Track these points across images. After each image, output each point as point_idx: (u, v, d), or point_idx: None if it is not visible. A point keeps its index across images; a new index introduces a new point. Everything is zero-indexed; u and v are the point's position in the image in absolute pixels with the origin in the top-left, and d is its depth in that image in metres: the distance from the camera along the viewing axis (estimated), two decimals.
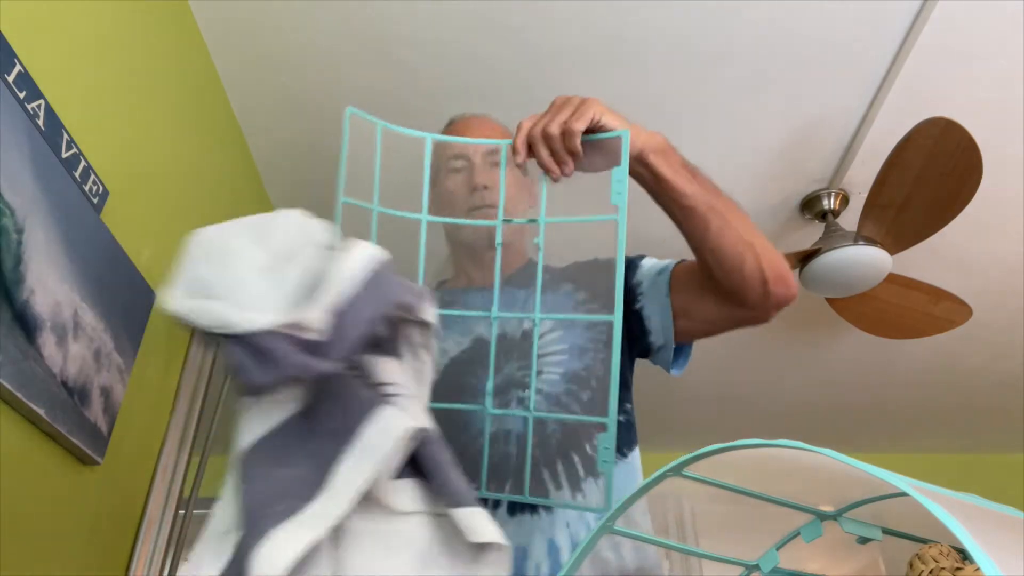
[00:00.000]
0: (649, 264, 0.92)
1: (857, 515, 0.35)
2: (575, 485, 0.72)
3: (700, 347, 0.94)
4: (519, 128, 0.71)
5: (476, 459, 0.65)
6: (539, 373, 0.69)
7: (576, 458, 0.73)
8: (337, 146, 1.87)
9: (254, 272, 0.46)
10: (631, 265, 0.93)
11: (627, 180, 0.64)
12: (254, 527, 0.35)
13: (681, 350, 0.88)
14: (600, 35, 1.55)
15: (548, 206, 0.72)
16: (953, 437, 3.33)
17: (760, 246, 0.76)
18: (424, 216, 0.63)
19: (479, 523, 0.39)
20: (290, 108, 1.72)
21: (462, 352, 0.82)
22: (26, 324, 0.87)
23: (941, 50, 1.55)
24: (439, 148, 1.00)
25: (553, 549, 0.69)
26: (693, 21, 1.51)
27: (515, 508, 0.68)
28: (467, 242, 0.96)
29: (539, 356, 0.69)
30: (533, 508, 0.70)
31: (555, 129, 0.67)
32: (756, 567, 0.40)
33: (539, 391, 0.63)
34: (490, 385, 0.60)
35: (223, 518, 0.40)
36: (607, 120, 0.69)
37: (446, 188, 0.98)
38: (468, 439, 0.69)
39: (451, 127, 1.04)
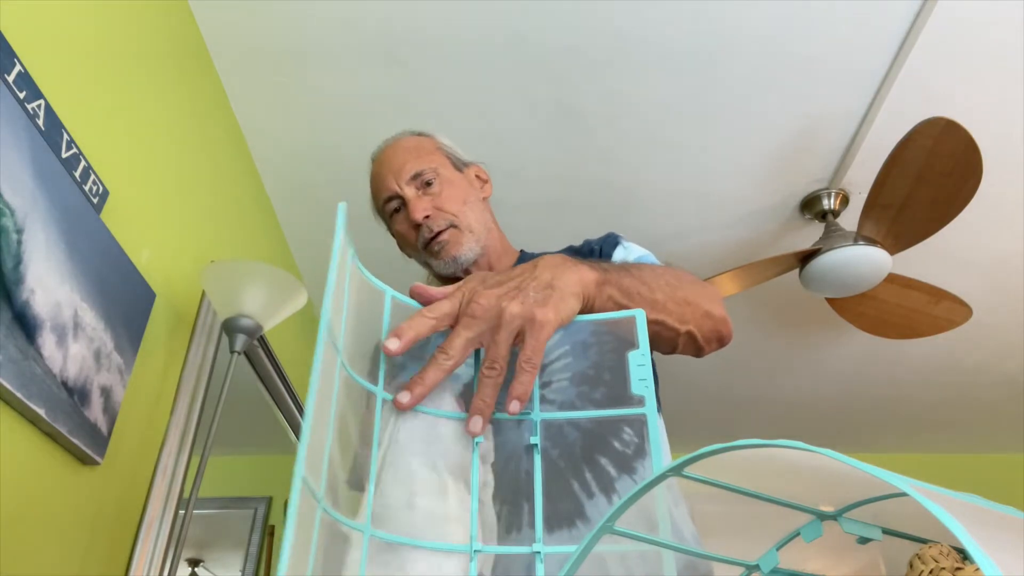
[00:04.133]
0: (620, 261, 0.90)
1: (857, 515, 0.35)
2: (608, 487, 0.69)
3: None
4: (414, 323, 0.54)
5: (512, 485, 0.60)
6: (548, 384, 0.66)
7: (604, 460, 0.70)
8: (337, 146, 1.89)
9: None
10: (606, 249, 0.93)
11: (649, 364, 0.54)
12: None
13: None
14: (600, 35, 1.55)
15: None
16: (953, 437, 3.34)
17: (696, 320, 0.74)
18: (380, 391, 0.52)
19: None
20: (290, 107, 1.72)
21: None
22: (26, 324, 0.87)
23: (941, 50, 1.55)
24: (375, 194, 1.00)
25: (599, 562, 0.65)
26: (694, 21, 1.51)
27: (552, 525, 0.64)
28: (444, 275, 0.97)
29: (544, 365, 0.65)
30: (570, 522, 0.65)
31: (504, 353, 0.53)
32: (756, 567, 0.40)
33: (551, 401, 0.61)
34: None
35: None
36: (565, 320, 0.57)
37: (396, 231, 0.99)
38: (500, 465, 0.64)
39: (372, 165, 1.03)
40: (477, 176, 1.04)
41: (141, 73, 1.28)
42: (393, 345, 0.52)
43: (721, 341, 0.79)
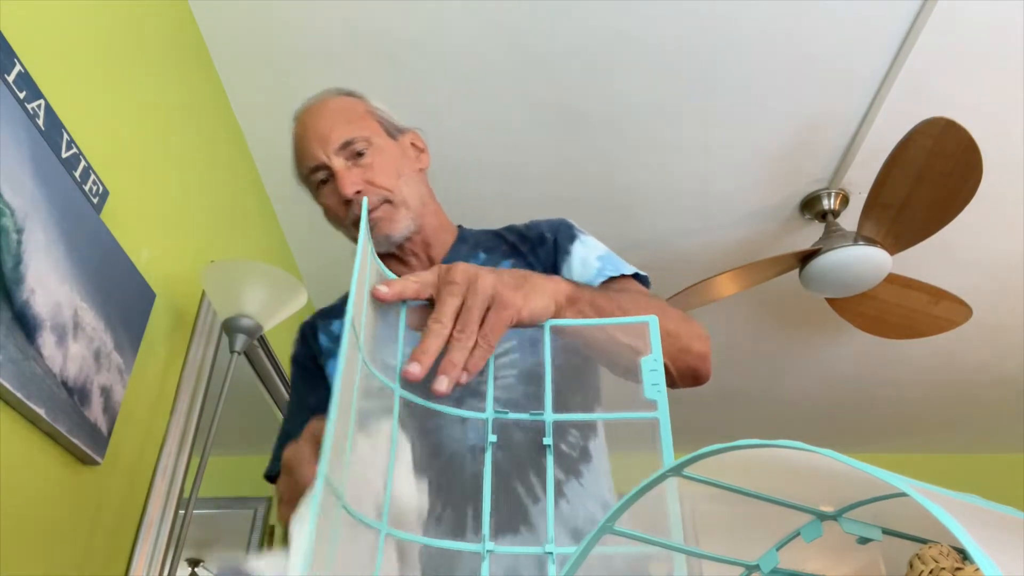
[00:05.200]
0: (581, 259, 0.85)
1: (857, 515, 0.35)
2: (555, 491, 0.67)
3: None
4: (400, 282, 0.54)
5: (455, 486, 0.58)
6: (495, 379, 0.64)
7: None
8: None
9: None
10: (561, 241, 0.88)
11: (662, 369, 0.54)
12: None
13: None
14: (600, 36, 1.55)
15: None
16: (953, 437, 3.34)
17: (671, 353, 0.71)
18: (397, 389, 0.52)
19: None
20: (291, 108, 1.72)
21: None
22: (26, 324, 0.87)
23: (941, 50, 1.55)
24: (299, 159, 0.92)
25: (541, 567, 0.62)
26: (694, 22, 1.51)
27: (495, 530, 0.62)
28: (378, 254, 0.93)
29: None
30: (515, 528, 0.65)
31: (471, 333, 0.52)
32: (756, 567, 0.40)
33: (496, 398, 0.59)
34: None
35: None
36: (532, 314, 0.56)
37: (324, 204, 0.90)
38: (442, 464, 0.63)
39: (295, 126, 0.95)
40: (413, 144, 0.95)
41: (141, 73, 1.28)
42: (384, 290, 0.53)
43: (697, 379, 0.76)
